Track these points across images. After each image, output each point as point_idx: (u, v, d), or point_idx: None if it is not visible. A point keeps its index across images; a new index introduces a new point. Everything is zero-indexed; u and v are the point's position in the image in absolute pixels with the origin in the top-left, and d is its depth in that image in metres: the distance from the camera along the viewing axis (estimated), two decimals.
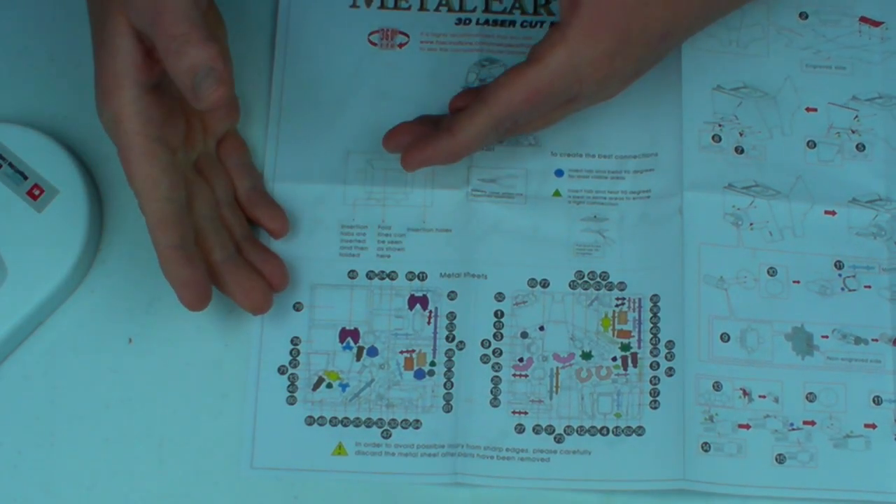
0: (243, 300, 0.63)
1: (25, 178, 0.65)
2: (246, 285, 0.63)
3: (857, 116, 0.68)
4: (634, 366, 0.64)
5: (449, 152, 0.62)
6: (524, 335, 0.65)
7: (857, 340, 0.65)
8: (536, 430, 0.63)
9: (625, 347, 0.65)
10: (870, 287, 0.65)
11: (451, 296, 0.65)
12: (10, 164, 0.65)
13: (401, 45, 0.69)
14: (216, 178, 0.65)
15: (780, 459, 0.63)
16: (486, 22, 0.70)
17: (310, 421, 0.64)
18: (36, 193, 0.65)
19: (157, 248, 0.60)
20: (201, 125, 0.65)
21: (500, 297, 0.65)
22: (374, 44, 0.69)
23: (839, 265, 0.66)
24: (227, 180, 0.66)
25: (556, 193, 0.67)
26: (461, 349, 0.64)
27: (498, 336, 0.65)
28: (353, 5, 0.70)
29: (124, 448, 0.63)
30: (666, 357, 0.64)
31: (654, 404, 0.64)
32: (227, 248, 0.63)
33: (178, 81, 0.56)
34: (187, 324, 0.65)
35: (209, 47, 0.55)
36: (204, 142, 0.65)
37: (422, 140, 0.63)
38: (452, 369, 0.64)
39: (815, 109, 0.68)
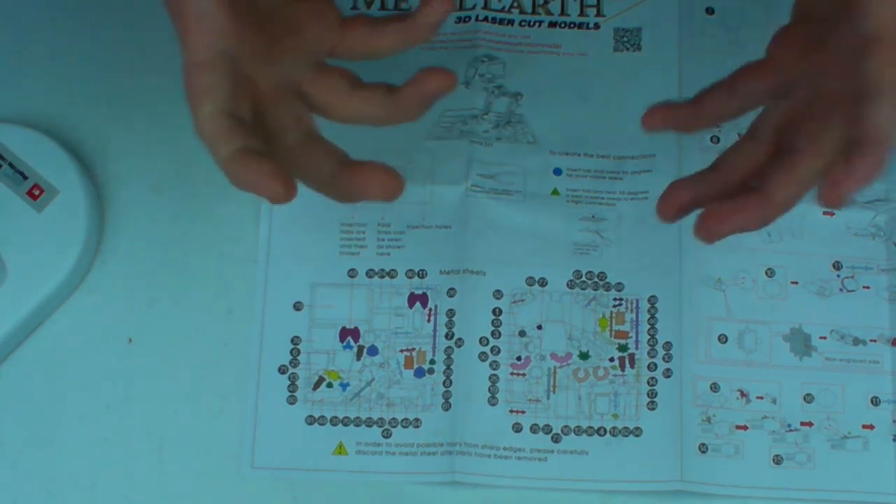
0: (376, 188, 0.51)
1: (25, 178, 0.63)
2: (376, 172, 0.51)
3: None
4: (632, 367, 0.62)
5: (763, 220, 0.50)
6: (522, 334, 0.63)
7: (856, 341, 0.63)
8: (534, 429, 0.62)
9: (622, 348, 0.62)
10: (868, 287, 0.63)
11: (451, 293, 0.63)
12: (10, 164, 0.63)
13: None
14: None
15: (778, 460, 0.61)
16: (486, 19, 0.67)
17: (310, 420, 0.62)
18: (36, 193, 0.63)
19: (218, 158, 0.49)
20: (298, 41, 0.54)
21: (498, 294, 0.63)
22: None
23: (837, 266, 0.64)
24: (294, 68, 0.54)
25: (555, 192, 0.65)
26: (460, 346, 0.62)
27: (496, 334, 0.63)
28: (353, 7, 0.68)
29: (124, 448, 0.61)
30: (663, 358, 0.62)
31: (652, 405, 0.62)
32: (331, 159, 0.52)
33: None
34: (187, 324, 0.63)
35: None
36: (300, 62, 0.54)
37: (725, 206, 0.50)
38: (451, 367, 0.62)
39: None
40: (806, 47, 0.52)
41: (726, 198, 0.51)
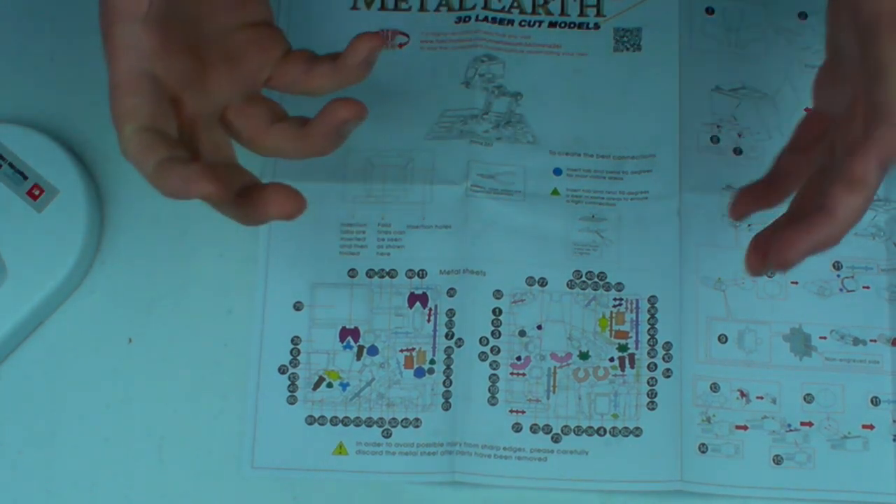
0: (276, 208, 0.51)
1: (25, 178, 0.63)
2: (278, 193, 0.51)
3: None
4: (632, 367, 0.62)
5: (830, 237, 0.49)
6: (522, 333, 0.62)
7: (856, 341, 0.62)
8: (534, 429, 0.61)
9: (622, 348, 0.62)
10: (868, 287, 0.63)
11: (451, 293, 0.63)
12: (10, 164, 0.63)
13: (401, 46, 0.67)
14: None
15: (778, 460, 0.61)
16: (486, 19, 0.67)
17: (310, 420, 0.62)
18: (36, 193, 0.63)
19: (146, 173, 0.49)
20: (234, 71, 0.54)
21: (498, 294, 0.63)
22: None
23: (837, 266, 0.63)
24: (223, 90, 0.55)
25: (555, 192, 0.65)
26: (460, 346, 0.62)
27: (496, 334, 0.62)
28: (354, 7, 0.68)
29: (124, 448, 0.61)
30: (663, 358, 0.62)
31: (652, 405, 0.61)
32: (244, 177, 0.53)
33: None
34: (187, 324, 0.63)
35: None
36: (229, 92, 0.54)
37: (793, 232, 0.49)
38: (451, 367, 0.62)
39: None
40: (838, 75, 0.51)
41: (790, 223, 0.50)
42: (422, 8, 0.68)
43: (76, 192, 0.63)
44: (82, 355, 0.62)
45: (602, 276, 0.63)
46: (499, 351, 0.62)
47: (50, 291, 0.62)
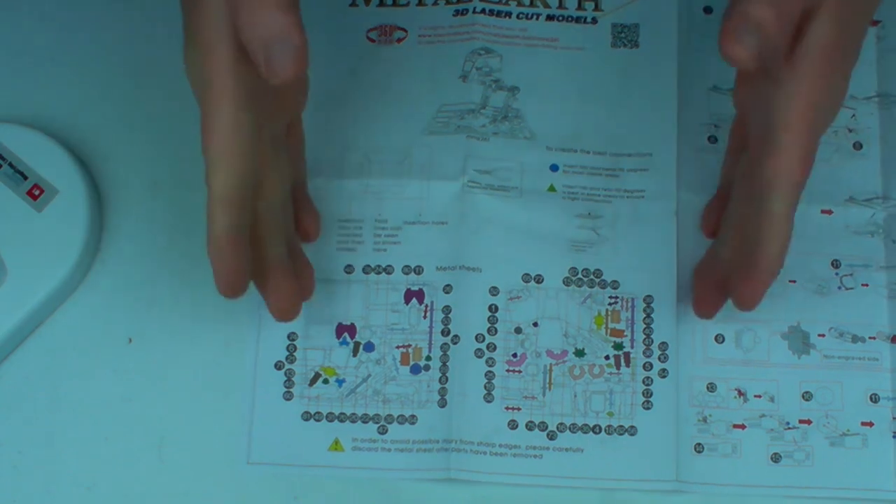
0: (277, 304, 0.55)
1: (25, 178, 0.61)
2: (284, 290, 0.55)
3: (854, 115, 0.62)
4: (627, 365, 0.59)
5: (768, 275, 0.53)
6: (518, 330, 0.60)
7: (855, 338, 0.59)
8: (529, 426, 0.59)
9: (618, 346, 0.60)
10: (867, 285, 0.60)
11: (447, 289, 0.61)
12: (10, 164, 0.61)
13: (399, 41, 0.65)
14: (282, 166, 0.55)
15: (776, 458, 0.58)
16: (483, 11, 0.64)
17: (306, 416, 0.60)
18: (36, 193, 0.61)
19: (212, 228, 0.50)
20: (276, 103, 0.53)
21: (494, 291, 0.60)
22: (373, 40, 0.65)
23: (836, 264, 0.60)
24: (289, 170, 0.56)
25: (551, 188, 0.62)
26: (456, 343, 0.60)
27: (492, 331, 0.60)
28: (352, 4, 0.65)
29: (124, 448, 0.60)
30: (659, 358, 0.59)
31: (647, 405, 0.59)
32: (280, 245, 0.55)
33: (249, 50, 0.47)
34: (187, 323, 0.61)
35: (286, 15, 0.46)
36: (275, 124, 0.54)
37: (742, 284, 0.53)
38: (447, 364, 0.60)
39: None
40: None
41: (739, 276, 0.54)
42: (420, 2, 0.65)
43: (76, 192, 0.61)
44: (82, 355, 0.61)
45: (598, 273, 0.61)
46: (495, 348, 0.60)
47: (50, 291, 0.60)
